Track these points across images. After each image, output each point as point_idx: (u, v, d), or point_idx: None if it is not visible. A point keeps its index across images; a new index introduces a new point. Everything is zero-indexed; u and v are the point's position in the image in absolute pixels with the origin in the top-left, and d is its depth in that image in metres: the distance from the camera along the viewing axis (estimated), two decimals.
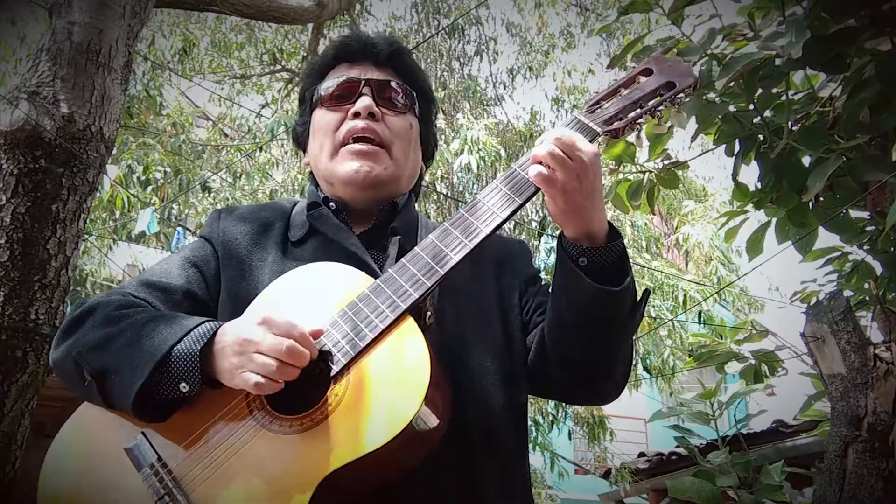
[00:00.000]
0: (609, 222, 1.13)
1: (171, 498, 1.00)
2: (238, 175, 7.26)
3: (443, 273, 1.06)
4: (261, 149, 7.22)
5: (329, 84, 1.34)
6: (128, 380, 1.04)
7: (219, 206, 6.98)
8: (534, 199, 1.17)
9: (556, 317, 1.15)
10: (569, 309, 1.11)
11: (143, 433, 1.07)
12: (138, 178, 6.37)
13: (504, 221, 1.10)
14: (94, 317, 1.14)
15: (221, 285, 1.25)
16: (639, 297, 1.14)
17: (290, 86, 8.77)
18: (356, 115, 1.28)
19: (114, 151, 2.76)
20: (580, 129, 1.14)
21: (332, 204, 1.31)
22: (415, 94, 1.37)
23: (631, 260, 1.17)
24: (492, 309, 1.26)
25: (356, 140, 1.28)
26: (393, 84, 1.34)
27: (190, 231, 7.12)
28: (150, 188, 6.64)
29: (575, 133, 1.09)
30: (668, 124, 1.74)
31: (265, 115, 8.20)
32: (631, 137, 1.23)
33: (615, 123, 1.16)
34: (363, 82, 1.31)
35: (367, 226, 1.31)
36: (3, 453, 2.21)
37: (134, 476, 1.04)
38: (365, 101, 1.29)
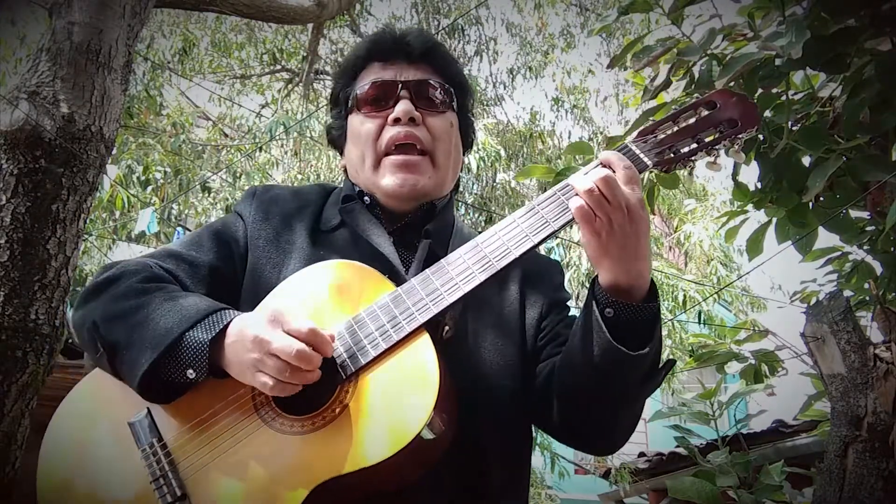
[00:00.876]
0: (652, 280, 1.05)
1: (166, 481, 1.01)
2: (238, 175, 7.26)
3: (465, 291, 1.05)
4: (261, 149, 7.22)
5: (364, 84, 1.29)
6: (137, 358, 1.04)
7: (218, 206, 6.98)
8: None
9: (567, 358, 1.12)
10: (581, 354, 1.06)
11: (148, 408, 1.08)
12: (138, 178, 6.37)
13: (535, 246, 1.07)
14: (118, 286, 1.14)
15: (247, 264, 1.24)
16: (661, 364, 1.08)
17: (289, 86, 8.78)
18: (396, 120, 1.24)
19: (114, 151, 2.76)
20: (630, 159, 1.07)
21: (366, 198, 1.28)
22: (453, 91, 1.32)
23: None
24: (512, 323, 1.23)
25: (398, 148, 1.24)
26: (430, 82, 1.29)
27: (190, 231, 7.11)
28: (150, 188, 6.64)
29: (621, 174, 1.02)
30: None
31: (265, 115, 8.21)
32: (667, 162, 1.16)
33: (668, 155, 1.11)
34: (400, 85, 1.26)
35: (400, 222, 1.27)
36: (3, 453, 2.20)
37: (134, 449, 1.05)
38: (404, 106, 1.24)
